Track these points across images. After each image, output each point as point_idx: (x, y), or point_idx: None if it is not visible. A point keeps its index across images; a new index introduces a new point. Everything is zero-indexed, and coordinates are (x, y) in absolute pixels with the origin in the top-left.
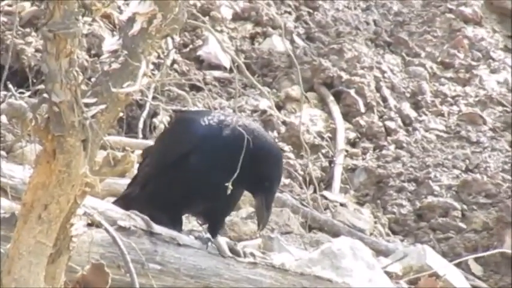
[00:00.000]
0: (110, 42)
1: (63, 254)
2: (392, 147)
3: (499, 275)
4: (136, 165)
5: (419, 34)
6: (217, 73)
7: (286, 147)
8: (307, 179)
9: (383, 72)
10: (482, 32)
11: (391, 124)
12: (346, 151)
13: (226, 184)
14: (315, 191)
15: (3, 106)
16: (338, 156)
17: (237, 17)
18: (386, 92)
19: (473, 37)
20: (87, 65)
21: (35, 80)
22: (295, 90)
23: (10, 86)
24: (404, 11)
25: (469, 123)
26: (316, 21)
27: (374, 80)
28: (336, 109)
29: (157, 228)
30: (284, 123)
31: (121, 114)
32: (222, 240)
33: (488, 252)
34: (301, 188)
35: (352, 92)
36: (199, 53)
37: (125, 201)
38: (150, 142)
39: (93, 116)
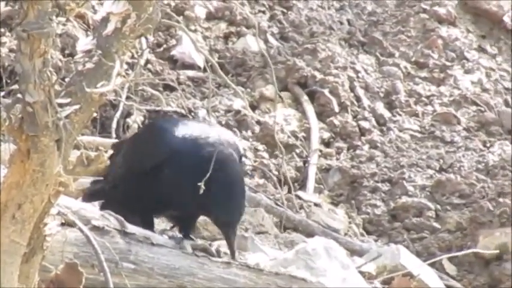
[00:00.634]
0: (84, 42)
1: (37, 254)
2: (366, 147)
3: (472, 274)
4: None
5: (393, 34)
6: (191, 73)
7: (261, 147)
8: (282, 178)
9: (357, 72)
10: (457, 32)
11: (365, 124)
12: (320, 151)
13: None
14: (289, 191)
15: None
16: (312, 156)
17: (210, 17)
18: (360, 92)
19: (448, 37)
20: (61, 65)
21: (9, 81)
22: (269, 90)
23: None
24: (379, 11)
25: (443, 123)
26: (290, 20)
27: (348, 80)
28: (310, 109)
29: (131, 227)
30: (258, 122)
31: (95, 114)
32: (187, 243)
33: (462, 252)
34: (276, 188)
35: (326, 91)
36: (173, 52)
37: (95, 197)
38: None
39: (67, 116)
